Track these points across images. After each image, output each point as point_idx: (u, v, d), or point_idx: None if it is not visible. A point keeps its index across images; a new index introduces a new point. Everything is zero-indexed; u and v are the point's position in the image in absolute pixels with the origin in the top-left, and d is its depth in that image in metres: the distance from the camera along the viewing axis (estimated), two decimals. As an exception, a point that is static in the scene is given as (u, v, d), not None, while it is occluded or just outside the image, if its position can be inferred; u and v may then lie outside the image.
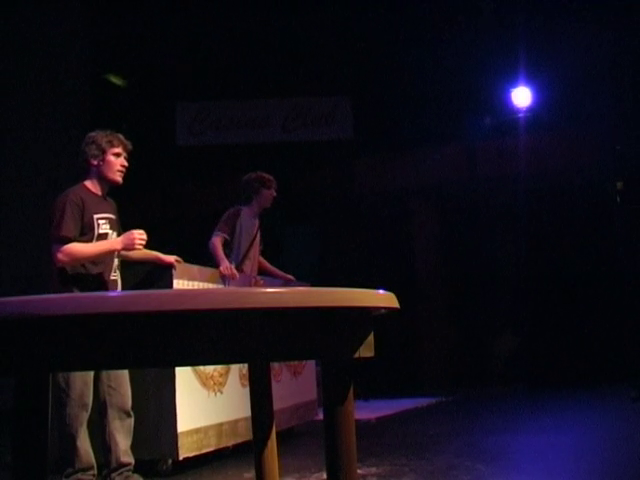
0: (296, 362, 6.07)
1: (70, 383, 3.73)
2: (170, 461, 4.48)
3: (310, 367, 6.47)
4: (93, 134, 3.94)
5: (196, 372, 4.64)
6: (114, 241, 3.83)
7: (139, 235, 3.81)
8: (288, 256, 11.22)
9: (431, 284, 11.76)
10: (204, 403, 4.73)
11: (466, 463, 4.59)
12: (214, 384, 4.86)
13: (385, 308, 1.82)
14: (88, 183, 3.90)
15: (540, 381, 10.15)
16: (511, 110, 10.93)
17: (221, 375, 4.95)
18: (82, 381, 3.76)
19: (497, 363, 11.01)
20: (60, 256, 3.66)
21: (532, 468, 4.50)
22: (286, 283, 5.76)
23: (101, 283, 3.79)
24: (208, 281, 4.83)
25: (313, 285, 5.49)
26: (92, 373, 3.80)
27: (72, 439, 3.75)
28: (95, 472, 3.83)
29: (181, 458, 4.44)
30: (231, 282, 5.03)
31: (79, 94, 8.79)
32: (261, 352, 1.67)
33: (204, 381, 4.74)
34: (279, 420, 4.09)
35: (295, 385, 6.10)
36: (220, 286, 4.91)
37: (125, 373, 3.95)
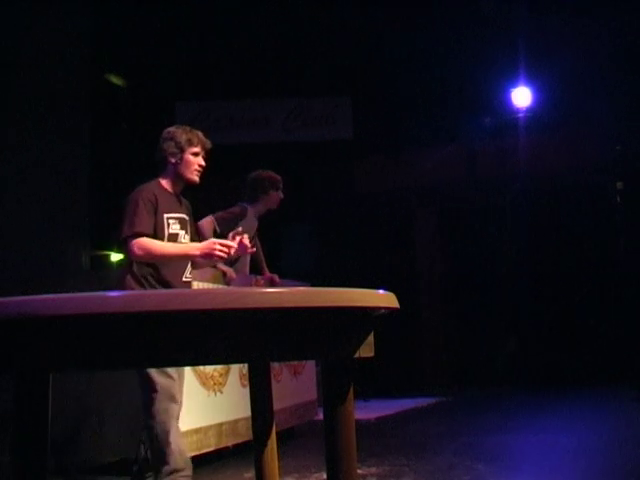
0: (296, 362, 6.07)
1: (152, 377, 3.51)
2: (170, 461, 4.48)
3: (310, 367, 6.46)
4: (172, 130, 3.74)
5: (196, 372, 4.64)
6: (193, 247, 3.60)
7: (221, 246, 3.51)
8: (287, 256, 11.22)
9: (431, 284, 11.76)
10: (204, 403, 4.74)
11: (466, 463, 4.59)
12: (214, 384, 4.86)
13: (385, 308, 1.82)
14: (163, 181, 3.72)
15: (540, 381, 10.15)
16: (511, 110, 10.93)
17: (221, 375, 4.95)
18: (164, 374, 3.53)
19: (497, 363, 11.01)
20: (136, 250, 3.46)
21: (532, 468, 4.51)
22: (270, 283, 5.56)
23: (169, 285, 3.56)
24: (208, 281, 4.83)
25: (313, 285, 5.48)
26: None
27: (166, 435, 3.49)
28: (191, 473, 3.60)
29: (181, 458, 4.43)
30: (232, 282, 5.01)
31: (79, 94, 8.79)
32: (261, 352, 1.67)
33: (204, 381, 4.74)
34: (279, 420, 4.09)
35: (295, 385, 6.10)
36: (220, 286, 4.91)
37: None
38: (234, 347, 1.61)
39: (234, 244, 3.57)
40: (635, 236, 10.41)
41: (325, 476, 1.82)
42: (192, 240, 3.75)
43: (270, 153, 10.32)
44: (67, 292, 1.50)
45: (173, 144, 3.68)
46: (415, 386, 10.41)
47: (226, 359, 1.76)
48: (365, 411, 7.63)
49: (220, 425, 4.88)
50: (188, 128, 3.77)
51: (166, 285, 3.55)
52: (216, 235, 5.14)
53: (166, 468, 3.48)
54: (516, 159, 10.67)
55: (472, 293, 11.31)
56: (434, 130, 10.79)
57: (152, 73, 10.91)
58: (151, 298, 1.51)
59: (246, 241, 3.65)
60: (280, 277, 5.72)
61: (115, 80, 11.11)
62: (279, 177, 5.45)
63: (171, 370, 3.55)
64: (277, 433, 2.43)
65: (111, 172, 9.88)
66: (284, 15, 10.68)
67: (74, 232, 8.49)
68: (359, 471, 4.02)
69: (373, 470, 4.43)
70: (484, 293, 11.24)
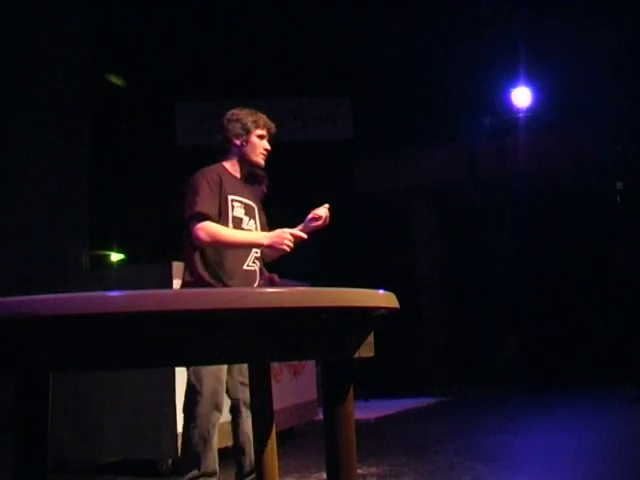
0: (296, 362, 6.07)
1: (201, 378, 3.35)
2: (170, 461, 4.48)
3: (310, 367, 6.46)
4: (237, 111, 3.57)
5: (196, 372, 4.62)
6: (262, 236, 3.46)
7: (291, 236, 3.41)
8: (287, 256, 11.22)
9: (431, 284, 11.76)
10: (204, 403, 4.72)
11: (466, 463, 4.59)
12: (214, 384, 4.84)
13: (385, 308, 1.82)
14: (227, 164, 3.57)
15: (540, 381, 10.15)
16: (511, 110, 10.94)
17: (221, 375, 4.93)
18: (214, 377, 3.38)
19: (497, 363, 11.01)
20: (201, 234, 3.28)
21: (532, 468, 4.50)
22: (270, 282, 5.56)
23: (231, 272, 3.44)
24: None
25: (313, 285, 5.48)
26: (224, 369, 3.43)
27: (202, 441, 3.37)
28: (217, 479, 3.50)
29: (181, 458, 4.43)
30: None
31: (79, 94, 8.79)
32: (261, 352, 1.67)
33: (204, 381, 4.72)
34: (279, 420, 4.08)
35: (295, 385, 6.10)
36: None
37: None
38: (234, 347, 1.61)
39: (304, 235, 3.49)
40: (635, 236, 10.41)
41: (325, 476, 1.82)
42: (262, 230, 3.64)
43: (270, 153, 10.32)
44: (67, 292, 1.50)
45: (239, 125, 3.53)
46: (415, 386, 10.42)
47: (226, 359, 1.76)
48: (365, 411, 7.63)
49: (220, 425, 4.87)
50: (253, 110, 3.61)
51: (228, 272, 3.43)
52: None
53: (194, 472, 3.37)
54: (516, 159, 10.68)
55: (472, 293, 11.32)
56: (434, 130, 10.80)
57: (152, 73, 10.92)
58: (151, 298, 1.50)
59: (321, 212, 3.59)
60: (280, 277, 5.70)
61: (115, 80, 11.12)
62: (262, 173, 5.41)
63: (224, 375, 3.44)
64: (277, 433, 2.43)
65: (111, 172, 9.90)
66: (284, 15, 10.69)
67: (74, 232, 8.50)
68: (359, 471, 4.02)
69: (373, 470, 4.43)
70: (484, 293, 11.25)
